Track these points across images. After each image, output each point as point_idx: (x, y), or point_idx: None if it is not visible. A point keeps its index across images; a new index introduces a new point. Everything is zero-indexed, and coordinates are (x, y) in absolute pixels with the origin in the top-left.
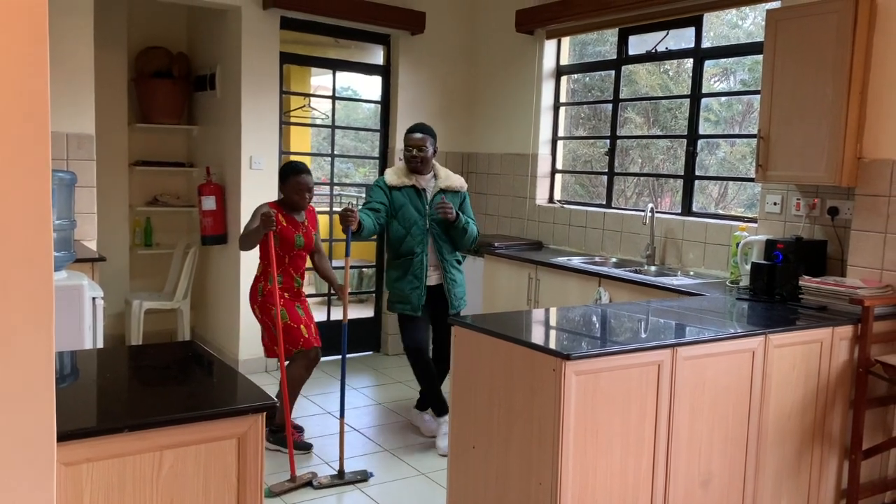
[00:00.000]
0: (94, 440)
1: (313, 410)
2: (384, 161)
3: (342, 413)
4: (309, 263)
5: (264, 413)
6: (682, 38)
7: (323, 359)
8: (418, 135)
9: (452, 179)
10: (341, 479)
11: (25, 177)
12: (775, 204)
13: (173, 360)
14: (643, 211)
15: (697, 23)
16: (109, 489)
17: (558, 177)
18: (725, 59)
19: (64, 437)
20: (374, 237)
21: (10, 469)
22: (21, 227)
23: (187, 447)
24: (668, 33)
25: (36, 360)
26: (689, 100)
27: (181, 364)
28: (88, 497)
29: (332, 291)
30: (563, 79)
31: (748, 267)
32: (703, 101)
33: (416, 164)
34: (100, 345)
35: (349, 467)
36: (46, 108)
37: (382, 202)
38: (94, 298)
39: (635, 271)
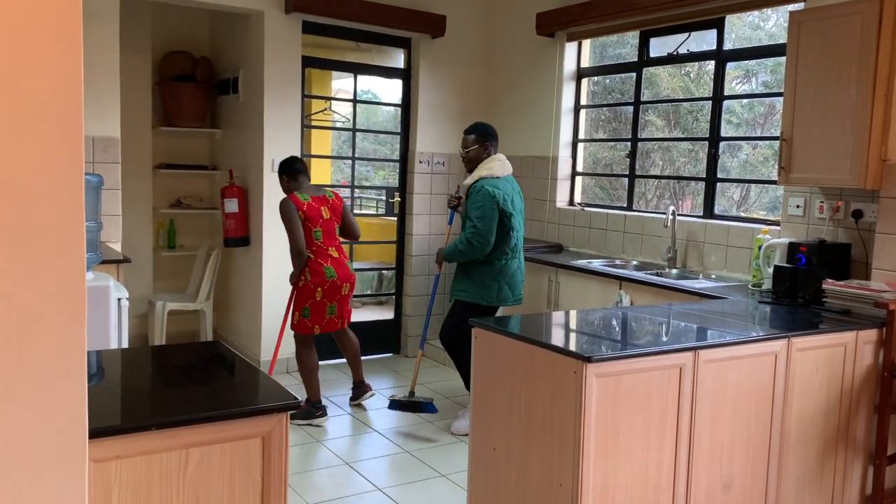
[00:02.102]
0: (123, 437)
1: (334, 412)
2: (404, 164)
3: (423, 341)
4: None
5: (288, 412)
6: (703, 40)
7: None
8: (466, 135)
9: (470, 179)
10: (412, 396)
11: (60, 180)
12: (798, 206)
13: (198, 360)
14: (664, 214)
15: (719, 24)
16: (137, 486)
17: (578, 179)
18: (747, 61)
19: (94, 434)
20: None
21: (45, 464)
22: (56, 228)
23: (213, 445)
24: (689, 35)
25: (70, 358)
26: (710, 102)
27: (206, 364)
28: (117, 493)
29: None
30: (584, 81)
31: (771, 270)
32: (725, 103)
33: (464, 164)
34: (125, 345)
35: (368, 469)
36: (80, 114)
37: None
38: (119, 299)
39: (657, 274)
